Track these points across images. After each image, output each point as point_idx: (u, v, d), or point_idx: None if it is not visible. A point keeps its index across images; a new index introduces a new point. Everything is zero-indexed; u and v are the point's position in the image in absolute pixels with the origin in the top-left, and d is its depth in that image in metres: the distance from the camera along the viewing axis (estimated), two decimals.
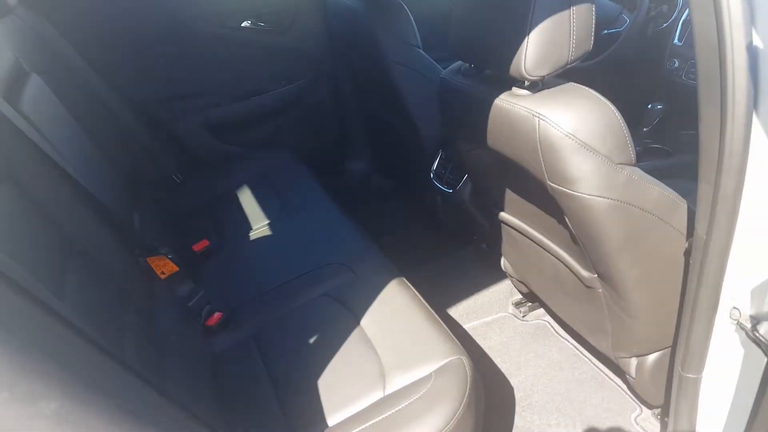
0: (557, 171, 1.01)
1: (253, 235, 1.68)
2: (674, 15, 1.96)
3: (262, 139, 2.28)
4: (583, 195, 1.00)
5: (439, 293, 1.72)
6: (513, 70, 1.00)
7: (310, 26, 2.19)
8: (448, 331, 1.22)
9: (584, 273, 1.22)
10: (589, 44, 1.00)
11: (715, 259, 0.90)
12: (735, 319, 0.95)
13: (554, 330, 1.76)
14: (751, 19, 0.75)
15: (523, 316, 1.82)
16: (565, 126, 0.96)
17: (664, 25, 1.96)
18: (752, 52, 0.76)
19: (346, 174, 2.47)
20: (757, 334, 0.91)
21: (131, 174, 1.79)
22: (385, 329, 1.23)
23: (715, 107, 0.81)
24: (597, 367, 1.62)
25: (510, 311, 1.85)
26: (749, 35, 0.75)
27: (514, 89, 1.05)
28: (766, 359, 0.91)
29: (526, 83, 1.04)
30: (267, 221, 1.73)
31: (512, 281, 1.76)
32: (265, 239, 1.66)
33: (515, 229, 1.42)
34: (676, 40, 1.94)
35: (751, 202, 0.84)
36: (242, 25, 2.10)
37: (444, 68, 1.78)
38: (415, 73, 1.71)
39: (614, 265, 1.10)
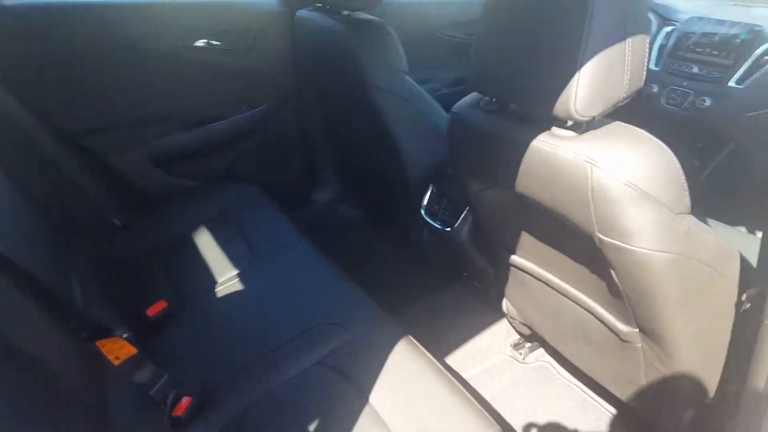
0: (611, 223, 0.87)
1: (221, 290, 1.46)
2: (649, 39, 1.91)
3: (219, 170, 2.06)
4: (642, 250, 0.87)
5: (434, 338, 1.57)
6: (558, 109, 0.85)
7: (275, 47, 1.99)
8: (475, 401, 1.07)
9: (622, 327, 1.09)
10: (642, 79, 0.88)
11: None
12: None
13: (557, 372, 1.64)
14: None
15: (523, 358, 1.68)
16: (623, 173, 0.83)
17: None
18: None
19: (311, 205, 2.28)
20: None
21: (63, 223, 1.53)
22: (400, 405, 1.05)
23: None
24: (608, 411, 1.50)
25: (509, 353, 1.71)
26: None
27: (555, 130, 0.91)
28: None
29: (570, 123, 0.90)
30: (235, 271, 1.51)
31: (511, 322, 1.63)
32: (236, 296, 1.44)
33: (529, 274, 1.29)
34: (652, 65, 1.89)
35: None
36: (196, 44, 1.87)
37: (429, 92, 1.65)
38: (401, 101, 1.55)
39: (667, 323, 0.98)
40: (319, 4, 1.76)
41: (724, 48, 1.77)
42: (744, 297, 0.95)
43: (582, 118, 0.85)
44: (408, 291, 1.86)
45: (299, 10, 1.82)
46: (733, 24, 1.80)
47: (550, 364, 1.67)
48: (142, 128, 1.87)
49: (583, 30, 0.81)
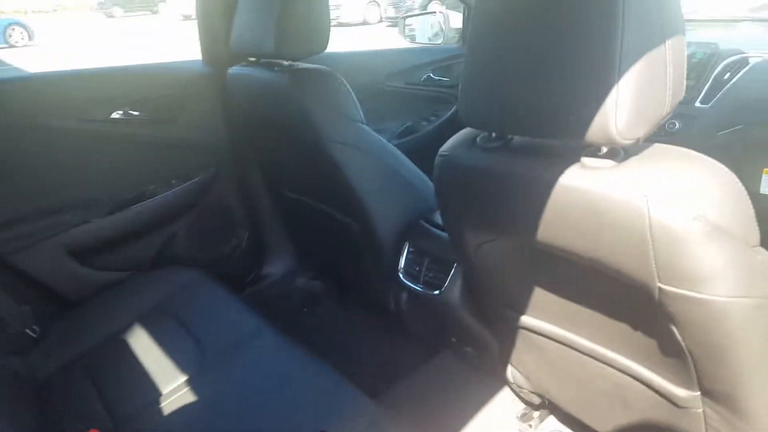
0: (679, 269, 0.69)
1: (166, 404, 1.17)
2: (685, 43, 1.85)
3: (150, 257, 1.77)
4: (719, 298, 0.69)
5: (428, 419, 1.34)
6: (594, 134, 0.68)
7: (204, 111, 1.76)
8: None
9: (678, 392, 0.90)
10: (683, 90, 0.72)
11: None
12: None
13: None
14: None
15: (533, 429, 1.46)
16: (690, 206, 0.65)
17: None
18: None
19: (264, 281, 2.01)
20: None
21: None
22: None
23: None
24: None
25: (518, 428, 1.48)
26: None
27: (587, 161, 0.73)
28: None
29: (604, 150, 0.72)
30: (183, 377, 1.23)
31: (517, 391, 1.41)
32: (187, 409, 1.15)
33: (545, 337, 1.08)
34: None
35: None
36: (112, 116, 1.63)
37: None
38: (363, 153, 1.35)
39: (743, 382, 0.79)
40: (252, 59, 1.56)
41: (697, 69, 1.72)
42: None
43: (626, 142, 0.67)
44: (391, 368, 1.61)
45: (231, 68, 1.62)
46: (688, 44, 1.75)
47: None
48: (52, 218, 1.58)
49: (616, 36, 0.64)
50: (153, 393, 1.19)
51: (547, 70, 0.71)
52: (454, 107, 2.31)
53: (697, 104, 1.67)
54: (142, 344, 1.35)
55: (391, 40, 2.63)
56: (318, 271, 2.05)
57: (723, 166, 0.71)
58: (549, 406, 1.45)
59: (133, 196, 1.71)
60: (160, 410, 1.14)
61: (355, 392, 1.12)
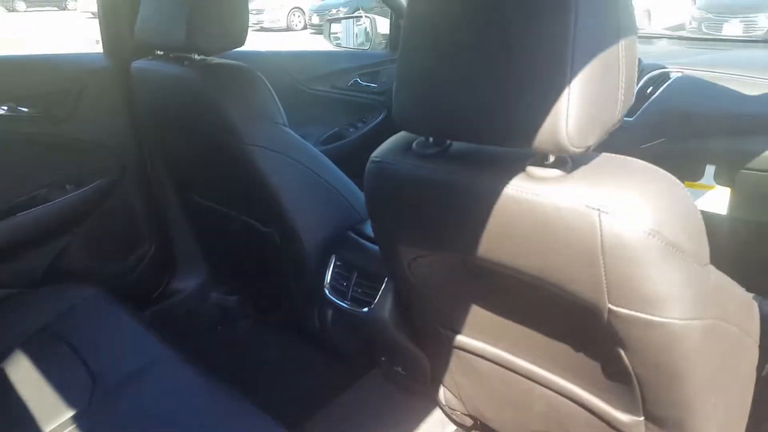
0: (631, 289, 0.63)
1: None
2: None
3: (38, 272, 1.57)
4: (673, 321, 0.64)
5: None
6: (543, 141, 0.61)
7: (105, 109, 1.59)
8: None
9: (621, 417, 0.84)
10: (634, 94, 0.66)
11: None
12: None
13: None
14: None
15: None
16: (645, 221, 0.59)
17: None
18: None
19: (172, 297, 1.84)
20: None
21: None
22: None
23: None
24: None
25: None
26: None
27: (533, 170, 0.66)
28: None
29: (551, 159, 0.65)
30: (70, 412, 1.06)
31: (450, 414, 1.33)
32: None
33: (482, 357, 1.01)
34: None
35: None
36: None
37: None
38: (285, 159, 1.24)
39: (694, 406, 0.74)
40: (160, 52, 1.42)
41: None
42: None
43: (577, 150, 0.61)
44: (314, 392, 1.50)
45: (135, 62, 1.46)
46: None
47: None
48: None
49: (568, 34, 0.58)
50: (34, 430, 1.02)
51: (491, 72, 0.64)
52: (383, 114, 2.23)
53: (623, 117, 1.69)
54: (24, 373, 1.17)
55: (316, 46, 2.53)
56: (234, 286, 1.90)
57: (676, 179, 0.66)
58: (481, 428, 1.38)
59: (21, 202, 1.51)
60: None
61: (271, 425, 1.00)
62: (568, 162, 0.66)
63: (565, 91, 0.59)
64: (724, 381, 0.75)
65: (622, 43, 0.62)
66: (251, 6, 14.85)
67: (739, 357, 0.76)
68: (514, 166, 0.68)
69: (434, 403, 1.36)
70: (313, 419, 1.41)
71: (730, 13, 7.85)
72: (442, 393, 1.24)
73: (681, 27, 8.84)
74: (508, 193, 0.67)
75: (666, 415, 0.78)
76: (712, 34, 7.53)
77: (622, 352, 0.72)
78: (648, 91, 1.68)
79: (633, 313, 0.64)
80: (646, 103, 1.65)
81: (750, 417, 0.86)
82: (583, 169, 0.66)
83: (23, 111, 1.49)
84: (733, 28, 7.68)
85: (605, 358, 0.78)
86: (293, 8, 14.85)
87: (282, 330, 1.78)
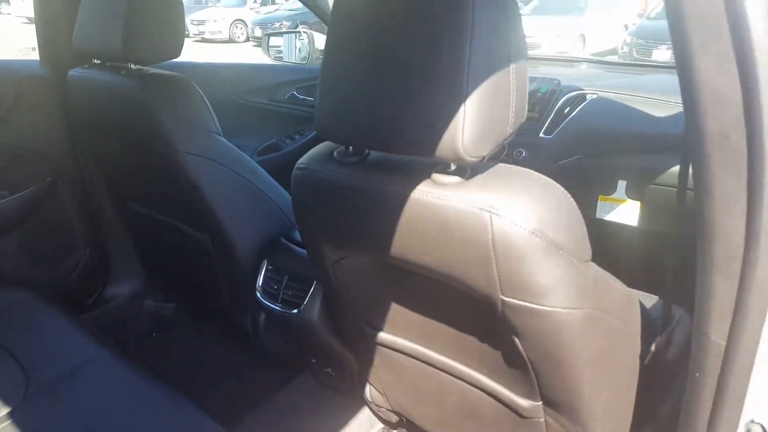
0: (518, 281, 0.72)
1: None
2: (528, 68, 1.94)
3: None
4: (556, 310, 0.73)
5: None
6: (443, 150, 0.69)
7: (40, 116, 1.59)
8: None
9: (522, 402, 0.94)
10: (525, 112, 0.76)
11: (741, 370, 0.69)
12: None
13: None
14: None
15: None
16: (529, 221, 0.69)
17: None
18: None
19: (107, 303, 1.84)
20: None
21: None
22: None
23: (738, 182, 0.61)
24: None
25: None
26: None
27: (437, 177, 0.74)
28: None
29: (453, 168, 0.74)
30: (4, 410, 1.07)
31: (376, 411, 1.40)
32: None
33: (402, 353, 1.08)
34: None
35: None
36: None
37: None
38: (219, 166, 1.29)
39: (579, 389, 0.84)
40: (96, 61, 1.44)
41: (528, 102, 1.84)
42: (653, 347, 0.86)
43: (472, 159, 0.70)
44: (247, 394, 1.53)
45: (71, 71, 1.47)
46: (532, 79, 1.89)
47: None
48: None
49: (464, 56, 0.66)
50: None
51: (400, 88, 0.72)
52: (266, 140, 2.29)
53: (541, 135, 1.80)
54: None
55: (258, 59, 2.57)
56: (169, 293, 1.92)
57: (560, 186, 0.76)
58: (406, 425, 1.45)
59: None
60: None
61: (204, 419, 1.04)
62: (467, 170, 0.75)
63: (461, 109, 0.67)
64: (606, 366, 0.85)
65: (513, 67, 0.71)
66: (194, 17, 14.75)
67: (620, 345, 0.86)
68: (422, 173, 0.76)
69: (362, 402, 1.42)
70: (245, 419, 1.45)
71: (660, 40, 8.36)
72: (368, 390, 1.31)
73: (614, 51, 9.40)
74: (414, 197, 0.75)
75: (558, 399, 0.88)
76: (643, 60, 8.03)
77: (517, 340, 0.81)
78: (565, 111, 1.81)
79: (522, 303, 0.73)
80: (564, 123, 1.77)
81: (646, 402, 0.97)
82: (479, 176, 0.75)
83: None
84: (661, 54, 8.28)
85: (504, 347, 0.87)
86: (236, 20, 14.82)
87: (217, 336, 1.81)
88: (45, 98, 1.60)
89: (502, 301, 0.75)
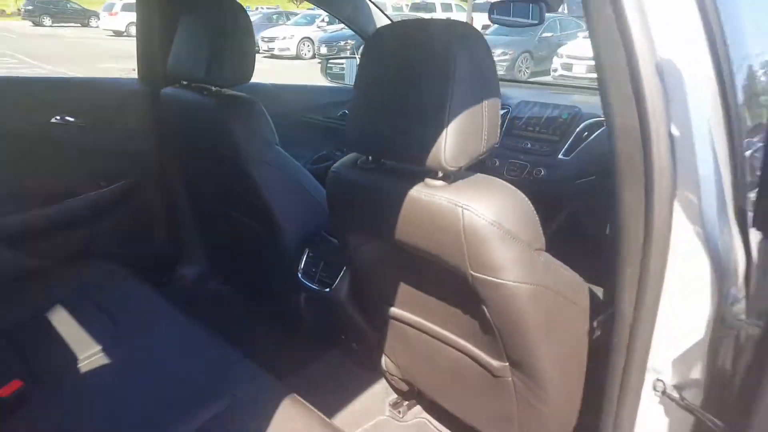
0: (481, 260, 0.98)
1: (83, 365, 1.35)
2: (500, 104, 2.20)
3: (76, 248, 1.93)
4: (508, 282, 0.99)
5: (317, 403, 1.57)
6: (430, 161, 0.97)
7: (136, 124, 1.97)
8: None
9: (494, 363, 1.19)
10: (497, 136, 1.03)
11: (643, 336, 0.93)
12: (660, 391, 0.98)
13: (435, 428, 1.69)
14: (668, 109, 0.82)
15: (401, 417, 1.72)
16: (489, 215, 0.95)
17: None
18: (671, 141, 0.83)
19: (178, 282, 2.19)
20: (685, 401, 0.95)
21: None
22: None
23: (638, 194, 0.86)
24: None
25: (387, 414, 1.74)
26: (668, 123, 0.83)
27: (428, 181, 1.02)
28: (693, 418, 0.96)
29: (440, 174, 1.02)
30: (98, 347, 1.41)
31: (390, 381, 1.67)
32: (100, 370, 1.34)
33: (409, 325, 1.36)
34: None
35: (671, 280, 0.90)
36: (51, 121, 1.80)
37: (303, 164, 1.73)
38: (276, 171, 1.60)
39: (534, 352, 1.09)
40: (184, 82, 1.79)
41: (550, 126, 2.08)
42: (595, 324, 1.10)
43: (451, 168, 0.97)
44: (285, 364, 1.83)
45: (164, 89, 1.84)
46: (556, 106, 2.13)
47: (428, 421, 1.72)
48: None
49: (447, 93, 0.94)
50: (70, 357, 1.36)
51: (403, 116, 1.00)
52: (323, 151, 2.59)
53: (560, 156, 2.03)
54: (62, 321, 1.51)
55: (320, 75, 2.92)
56: (228, 276, 2.25)
57: (518, 192, 1.02)
58: (416, 396, 1.72)
59: (62, 192, 1.87)
60: (77, 369, 1.32)
61: (250, 365, 1.33)
62: (451, 176, 1.02)
63: (444, 133, 0.95)
64: (555, 335, 1.09)
65: (485, 102, 0.98)
66: (264, 34, 15.57)
67: (566, 318, 1.10)
68: (419, 178, 1.04)
69: (380, 375, 1.70)
70: (287, 379, 1.72)
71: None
72: (384, 361, 1.59)
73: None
74: (412, 195, 1.03)
75: (519, 359, 1.13)
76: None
77: (485, 308, 1.07)
78: (584, 135, 2.03)
79: (484, 276, 1.00)
80: (582, 146, 2.00)
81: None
82: (459, 182, 1.02)
83: (71, 121, 1.86)
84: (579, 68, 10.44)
85: (477, 316, 1.12)
86: (303, 38, 15.48)
87: (265, 315, 2.12)
88: (141, 110, 1.98)
89: (471, 275, 1.01)
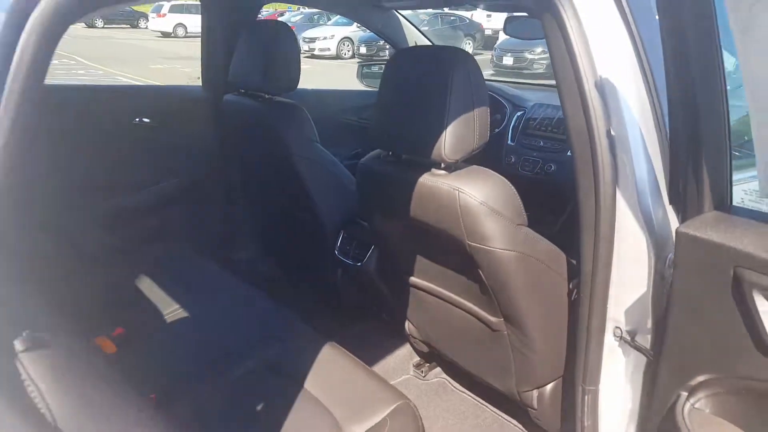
0: (475, 231, 1.27)
1: (167, 316, 1.69)
2: (505, 121, 2.47)
3: (149, 231, 2.29)
4: (496, 249, 1.27)
5: None
6: (434, 155, 1.26)
7: (201, 126, 2.32)
8: (388, 381, 1.38)
9: (492, 318, 1.47)
10: (487, 137, 1.31)
11: (600, 290, 1.20)
12: (618, 336, 1.25)
13: (453, 386, 1.98)
14: (607, 113, 1.10)
15: (423, 376, 2.01)
16: (479, 196, 1.24)
17: (497, 130, 2.45)
18: (611, 138, 1.11)
19: (234, 265, 2.53)
20: (636, 343, 1.22)
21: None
22: (329, 387, 1.34)
23: (589, 178, 1.14)
24: (496, 412, 1.85)
25: (411, 373, 2.03)
26: (608, 125, 1.10)
27: (434, 170, 1.31)
28: (645, 359, 1.23)
29: (443, 166, 1.30)
30: (177, 305, 1.75)
31: (413, 344, 1.97)
32: (180, 321, 1.68)
33: (424, 291, 1.65)
34: (509, 141, 2.43)
35: (619, 246, 1.17)
36: (134, 121, 2.17)
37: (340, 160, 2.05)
38: (317, 165, 1.91)
39: (520, 307, 1.37)
40: (242, 90, 2.12)
41: (561, 126, 2.33)
42: (571, 285, 1.37)
43: (450, 161, 1.26)
44: (324, 330, 2.15)
45: (226, 95, 2.17)
46: None
47: (447, 380, 2.01)
48: (92, 193, 2.09)
49: (446, 103, 1.23)
50: (156, 311, 1.71)
51: (414, 119, 1.30)
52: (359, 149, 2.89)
53: (569, 153, 2.28)
54: (147, 286, 1.85)
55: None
56: (276, 258, 2.58)
57: (504, 179, 1.29)
58: (436, 359, 2.01)
59: (142, 183, 2.23)
60: (163, 320, 1.66)
61: (300, 322, 1.64)
62: (451, 168, 1.30)
63: (443, 133, 1.23)
64: (536, 293, 1.36)
65: (476, 110, 1.26)
66: (306, 34, 16.00)
67: (545, 280, 1.36)
68: (426, 169, 1.33)
69: (405, 340, 2.00)
70: None
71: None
72: (407, 325, 1.88)
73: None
74: (420, 181, 1.32)
75: (510, 314, 1.41)
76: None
77: (480, 272, 1.35)
78: None
79: (477, 245, 1.28)
80: None
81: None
82: (458, 171, 1.30)
83: (146, 122, 2.22)
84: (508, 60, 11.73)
85: (476, 279, 1.41)
86: (343, 38, 15.78)
87: (308, 291, 2.45)
88: (205, 114, 2.33)
89: (468, 244, 1.30)
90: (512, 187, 1.30)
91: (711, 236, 0.95)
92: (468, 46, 13.72)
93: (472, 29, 16.36)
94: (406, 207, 1.39)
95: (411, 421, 1.25)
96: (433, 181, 1.30)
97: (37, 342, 0.62)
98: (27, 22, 0.65)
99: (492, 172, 1.31)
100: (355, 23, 16.41)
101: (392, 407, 1.27)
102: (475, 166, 1.34)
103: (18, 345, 0.60)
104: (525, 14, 2.24)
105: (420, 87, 1.30)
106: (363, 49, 14.69)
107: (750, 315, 0.94)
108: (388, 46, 3.03)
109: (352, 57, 15.52)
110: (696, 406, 1.07)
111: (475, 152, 1.30)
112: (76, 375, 0.69)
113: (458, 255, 1.37)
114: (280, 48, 1.88)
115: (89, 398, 0.68)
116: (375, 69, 3.13)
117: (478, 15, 16.40)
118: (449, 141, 1.24)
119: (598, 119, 1.10)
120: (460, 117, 1.24)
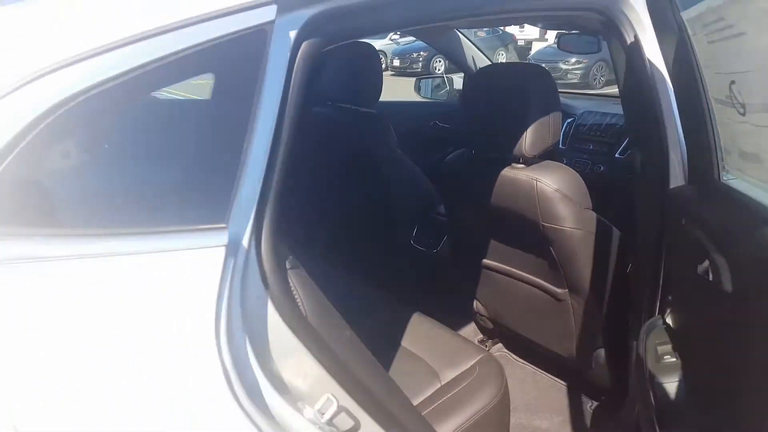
0: (549, 214, 1.54)
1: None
2: (560, 116, 2.73)
3: None
4: (566, 228, 1.54)
5: None
6: (516, 151, 1.54)
7: None
8: (471, 341, 1.66)
9: (558, 290, 1.73)
10: (559, 136, 1.59)
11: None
12: None
13: (513, 359, 2.24)
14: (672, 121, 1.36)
15: (487, 351, 2.28)
16: (553, 184, 1.51)
17: None
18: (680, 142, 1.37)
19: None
20: None
21: None
22: (424, 344, 1.62)
23: (657, 178, 1.38)
24: (553, 378, 2.11)
25: None
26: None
27: (514, 165, 1.59)
28: None
29: (522, 160, 1.58)
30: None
31: (479, 321, 2.23)
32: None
33: (494, 271, 1.92)
34: (560, 145, 2.68)
35: None
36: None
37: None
38: (398, 164, 2.20)
39: (585, 277, 1.63)
40: (329, 103, 2.39)
41: (609, 131, 2.58)
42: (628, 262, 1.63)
43: (529, 156, 1.54)
44: None
45: (315, 107, 2.44)
46: (614, 115, 2.63)
47: (508, 355, 2.27)
48: None
49: (527, 109, 1.51)
50: None
51: (499, 122, 1.58)
52: (451, 146, 3.13)
53: (617, 155, 2.53)
54: None
55: (397, 87, 3.49)
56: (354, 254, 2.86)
57: (573, 171, 1.57)
58: (499, 335, 2.28)
59: None
60: None
61: (389, 296, 1.92)
62: (529, 162, 1.58)
63: (525, 133, 1.51)
64: (598, 266, 1.62)
65: (551, 114, 1.54)
66: None
67: (603, 253, 1.63)
68: (506, 164, 1.61)
69: (470, 319, 2.27)
70: None
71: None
72: (475, 304, 2.15)
73: None
74: (503, 174, 1.60)
75: (574, 284, 1.67)
76: None
77: (552, 249, 1.62)
78: None
79: (551, 225, 1.55)
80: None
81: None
82: (534, 165, 1.58)
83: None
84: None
85: (545, 255, 1.67)
86: (377, 51, 15.97)
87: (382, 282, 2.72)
88: None
89: (543, 225, 1.57)
90: (580, 178, 1.57)
91: None
92: (501, 57, 13.84)
93: (506, 40, 16.57)
94: (488, 196, 1.67)
95: (496, 367, 1.53)
96: (513, 173, 1.58)
97: (294, 264, 0.93)
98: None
99: (563, 165, 1.59)
100: (389, 36, 16.81)
101: (478, 357, 1.55)
102: (548, 161, 1.62)
103: (288, 264, 0.92)
104: (576, 32, 2.51)
105: (503, 97, 1.58)
106: (396, 62, 14.87)
107: None
108: (421, 59, 3.32)
109: (386, 70, 15.71)
110: None
111: (549, 149, 1.58)
112: (313, 287, 1.03)
113: (530, 237, 1.64)
114: (366, 65, 2.17)
115: (323, 303, 1.03)
116: (432, 82, 3.42)
117: (511, 26, 16.57)
118: (529, 139, 1.51)
119: (668, 127, 1.29)
120: (538, 120, 1.51)
